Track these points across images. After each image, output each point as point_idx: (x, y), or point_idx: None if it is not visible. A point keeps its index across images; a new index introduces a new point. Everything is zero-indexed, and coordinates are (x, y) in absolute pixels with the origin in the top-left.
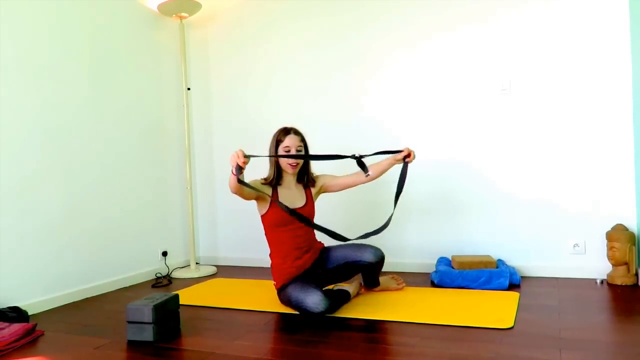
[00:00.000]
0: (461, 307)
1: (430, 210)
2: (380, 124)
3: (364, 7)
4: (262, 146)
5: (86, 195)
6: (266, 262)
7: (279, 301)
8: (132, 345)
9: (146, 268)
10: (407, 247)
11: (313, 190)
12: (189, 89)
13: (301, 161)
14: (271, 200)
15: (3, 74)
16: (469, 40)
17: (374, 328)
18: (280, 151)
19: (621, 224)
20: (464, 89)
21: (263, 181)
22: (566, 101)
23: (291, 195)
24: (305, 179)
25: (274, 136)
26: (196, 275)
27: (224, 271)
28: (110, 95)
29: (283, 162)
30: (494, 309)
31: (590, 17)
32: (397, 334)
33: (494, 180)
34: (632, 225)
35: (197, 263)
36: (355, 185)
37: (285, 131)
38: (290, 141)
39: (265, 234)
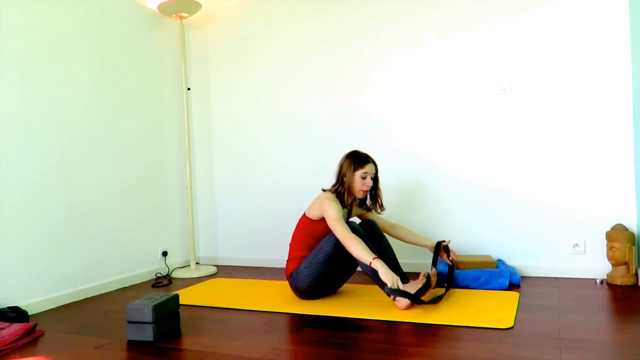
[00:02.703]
0: (461, 307)
1: (430, 210)
2: (380, 124)
3: (363, 8)
4: (262, 146)
5: (86, 195)
6: (266, 261)
7: (279, 301)
8: (132, 345)
9: (146, 268)
10: (407, 247)
11: (358, 211)
12: (189, 89)
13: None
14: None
15: (3, 75)
16: (468, 40)
17: (374, 328)
18: (358, 177)
19: (621, 224)
20: (464, 89)
21: (332, 193)
22: (566, 101)
23: (343, 214)
24: (374, 204)
25: (347, 160)
26: (196, 275)
27: (224, 271)
28: (110, 95)
29: (357, 186)
30: (494, 309)
31: (590, 17)
32: (397, 334)
33: (494, 180)
34: (632, 225)
35: (197, 263)
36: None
37: (364, 158)
38: (369, 169)
39: (299, 234)
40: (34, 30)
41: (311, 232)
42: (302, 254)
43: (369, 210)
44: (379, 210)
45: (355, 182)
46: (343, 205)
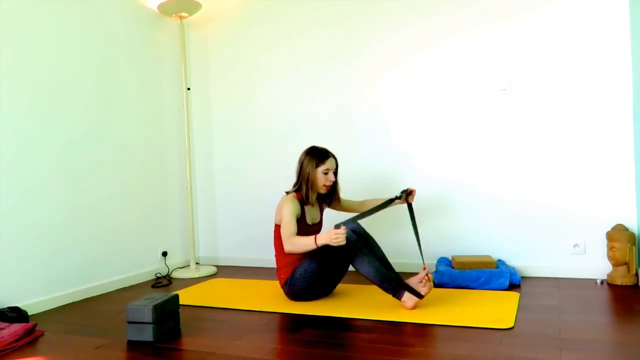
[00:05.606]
0: (461, 307)
1: (431, 211)
2: (381, 125)
3: (367, 10)
4: (262, 146)
5: (86, 195)
6: (266, 261)
7: (278, 301)
8: (132, 345)
9: (146, 268)
10: (408, 247)
11: (325, 206)
12: (189, 89)
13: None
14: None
15: (3, 75)
16: (469, 40)
17: (374, 328)
18: (320, 173)
19: (621, 224)
20: (464, 90)
21: (294, 195)
22: (566, 101)
23: (313, 211)
24: (332, 197)
25: (307, 157)
26: (196, 275)
27: (224, 271)
28: (110, 95)
29: (320, 182)
30: (494, 309)
31: (590, 17)
32: (397, 334)
33: (494, 180)
34: (632, 225)
35: (197, 263)
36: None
37: (324, 154)
38: (330, 164)
39: (279, 243)
40: (34, 30)
41: None
42: (290, 260)
43: (330, 203)
44: (337, 202)
45: (318, 178)
46: (307, 202)
